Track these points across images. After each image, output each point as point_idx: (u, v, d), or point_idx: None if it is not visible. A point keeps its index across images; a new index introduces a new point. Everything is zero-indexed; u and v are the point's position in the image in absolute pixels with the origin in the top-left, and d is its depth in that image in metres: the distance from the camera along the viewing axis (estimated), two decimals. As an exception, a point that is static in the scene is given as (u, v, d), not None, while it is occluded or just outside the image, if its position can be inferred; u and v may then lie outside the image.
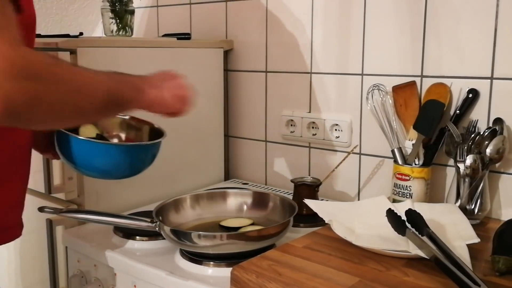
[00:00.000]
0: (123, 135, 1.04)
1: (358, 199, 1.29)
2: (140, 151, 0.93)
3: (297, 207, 1.01)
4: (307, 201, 1.01)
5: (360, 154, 1.27)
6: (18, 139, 0.84)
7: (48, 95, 0.62)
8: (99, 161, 0.88)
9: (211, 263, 0.91)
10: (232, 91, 1.52)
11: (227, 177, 1.54)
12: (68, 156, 0.88)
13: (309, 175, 1.37)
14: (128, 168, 0.92)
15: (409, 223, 0.91)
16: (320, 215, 0.96)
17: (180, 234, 0.91)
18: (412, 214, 0.91)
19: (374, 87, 1.16)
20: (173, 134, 1.33)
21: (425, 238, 0.86)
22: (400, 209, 0.99)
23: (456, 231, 0.93)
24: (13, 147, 0.83)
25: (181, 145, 1.36)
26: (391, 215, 0.92)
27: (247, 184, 1.46)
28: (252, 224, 1.04)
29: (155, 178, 1.29)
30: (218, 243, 0.89)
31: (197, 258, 0.92)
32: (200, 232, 0.89)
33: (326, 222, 0.94)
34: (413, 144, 1.09)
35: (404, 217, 0.91)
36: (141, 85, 0.82)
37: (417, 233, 0.87)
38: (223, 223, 1.04)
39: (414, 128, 1.07)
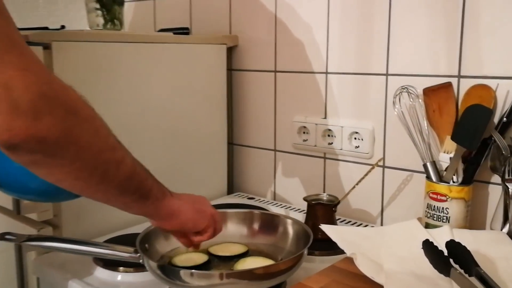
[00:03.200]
0: None
1: (381, 220, 1.12)
2: None
3: (312, 233, 0.84)
4: (324, 227, 0.84)
5: (384, 167, 1.10)
6: None
7: (81, 133, 0.54)
8: (34, 181, 0.69)
9: (207, 305, 0.74)
10: (236, 93, 1.35)
11: (230, 190, 1.38)
12: None
13: (324, 190, 1.20)
14: None
15: (451, 258, 0.73)
16: (341, 246, 0.79)
17: (168, 271, 0.74)
18: (456, 248, 0.74)
19: (402, 90, 0.98)
20: (169, 142, 1.18)
21: (473, 279, 0.69)
22: (437, 238, 0.83)
23: (509, 267, 0.75)
24: None
25: (179, 154, 1.20)
26: (430, 249, 0.75)
27: (253, 199, 1.30)
28: (247, 252, 0.87)
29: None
30: (216, 283, 0.72)
31: (190, 298, 0.75)
32: (193, 271, 0.72)
33: (348, 255, 0.76)
34: (450, 158, 0.91)
35: (440, 247, 0.74)
36: (165, 189, 0.73)
37: (463, 273, 0.70)
38: (212, 250, 0.87)
39: (453, 138, 0.89)
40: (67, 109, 0.52)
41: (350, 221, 1.13)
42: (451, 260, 0.72)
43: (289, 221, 0.90)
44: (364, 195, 1.13)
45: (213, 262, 0.86)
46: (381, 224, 1.12)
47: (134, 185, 0.65)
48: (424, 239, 0.81)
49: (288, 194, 1.27)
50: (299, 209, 1.20)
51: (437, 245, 0.77)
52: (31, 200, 0.85)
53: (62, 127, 0.51)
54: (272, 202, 1.27)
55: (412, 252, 0.80)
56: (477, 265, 0.69)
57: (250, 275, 0.73)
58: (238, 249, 0.88)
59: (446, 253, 0.74)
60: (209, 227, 0.79)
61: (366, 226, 1.10)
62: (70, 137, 0.53)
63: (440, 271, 0.72)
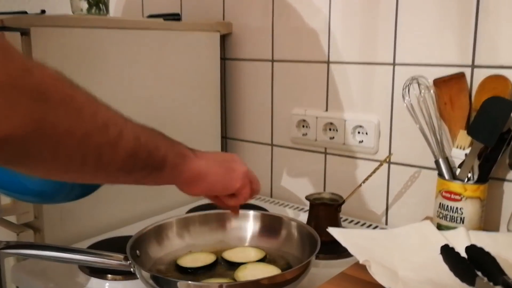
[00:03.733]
0: None
1: (386, 219, 1.06)
2: None
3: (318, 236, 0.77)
4: (332, 231, 0.77)
5: (389, 163, 1.03)
6: None
7: (57, 120, 0.44)
8: (32, 180, 0.64)
9: (205, 318, 0.67)
10: (230, 84, 1.27)
11: (224, 187, 1.30)
12: None
13: (325, 187, 1.13)
14: (78, 185, 0.68)
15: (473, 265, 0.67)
16: (352, 252, 0.72)
17: (163, 283, 0.66)
18: (479, 254, 0.68)
19: (412, 80, 0.91)
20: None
21: (498, 288, 0.63)
22: (453, 241, 0.77)
23: (535, 275, 0.69)
24: None
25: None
26: (450, 255, 0.69)
27: (249, 196, 1.22)
28: (265, 257, 0.80)
29: (137, 191, 1.05)
30: (215, 295, 0.65)
31: (187, 311, 0.68)
32: (190, 282, 0.65)
33: (360, 262, 0.70)
34: (466, 154, 0.85)
35: (456, 250, 0.69)
36: (185, 150, 0.63)
37: (487, 281, 0.64)
38: (226, 256, 0.80)
39: (470, 133, 0.83)
40: (33, 96, 0.42)
41: (352, 220, 1.06)
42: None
43: (293, 224, 0.83)
44: (368, 192, 1.06)
45: (219, 264, 0.79)
46: (386, 223, 1.06)
47: (141, 161, 0.55)
48: (440, 243, 0.75)
49: (285, 192, 1.20)
50: (297, 207, 1.14)
51: (455, 249, 0.71)
52: (29, 201, 0.77)
53: (30, 119, 0.41)
54: (269, 200, 1.20)
55: (427, 258, 0.74)
56: (504, 273, 0.63)
57: (253, 286, 0.66)
58: (255, 255, 0.80)
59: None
60: (243, 188, 0.70)
61: (370, 225, 1.04)
62: (43, 129, 0.43)
63: (463, 280, 0.66)
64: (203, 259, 0.79)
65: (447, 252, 0.69)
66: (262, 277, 0.65)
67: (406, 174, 1.01)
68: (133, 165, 0.54)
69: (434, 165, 0.91)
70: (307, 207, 1.00)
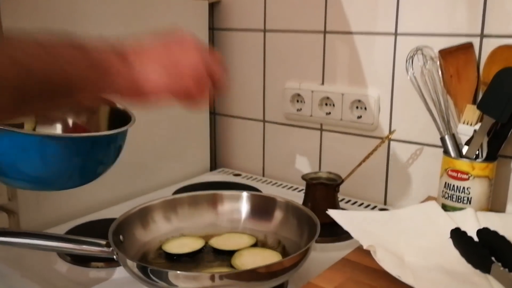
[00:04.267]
0: (70, 120, 0.75)
1: (385, 198, 1.00)
2: (93, 146, 0.65)
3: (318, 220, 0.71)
4: (332, 213, 0.72)
5: (389, 139, 0.97)
6: None
7: None
8: (27, 163, 0.60)
9: (196, 310, 0.61)
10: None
11: (213, 166, 1.25)
12: None
13: (320, 166, 1.07)
14: (77, 172, 0.66)
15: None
16: (355, 237, 0.66)
17: (149, 272, 0.60)
18: (492, 238, 0.63)
19: (417, 51, 0.85)
20: (143, 113, 1.03)
21: (513, 275, 0.58)
22: (461, 223, 0.72)
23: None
24: None
25: (155, 126, 1.05)
26: (462, 240, 0.64)
27: (240, 175, 1.17)
28: (255, 244, 0.74)
29: (121, 170, 0.96)
30: (208, 286, 0.59)
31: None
32: (178, 272, 0.59)
33: (364, 248, 0.64)
34: (475, 130, 0.79)
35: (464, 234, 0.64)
36: (108, 59, 0.51)
37: (503, 268, 0.59)
38: (214, 243, 0.74)
39: (481, 108, 0.77)
40: None
41: (349, 200, 1.01)
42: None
43: (289, 205, 0.77)
44: (366, 171, 1.00)
45: (207, 250, 0.73)
46: (385, 203, 1.01)
47: (32, 90, 0.45)
48: (447, 226, 0.70)
49: (279, 171, 1.15)
50: (291, 187, 1.08)
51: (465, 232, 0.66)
52: (22, 188, 0.72)
53: None
54: (261, 179, 1.14)
55: (435, 242, 0.69)
56: (522, 260, 0.59)
57: (249, 275, 0.60)
58: (245, 242, 0.74)
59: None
60: (198, 84, 0.57)
61: (368, 205, 0.99)
62: None
63: (476, 267, 0.61)
64: (191, 244, 0.73)
65: (459, 236, 0.64)
66: (263, 264, 0.60)
67: (407, 152, 0.96)
68: (22, 95, 0.44)
69: (437, 142, 0.85)
70: (302, 187, 0.94)
